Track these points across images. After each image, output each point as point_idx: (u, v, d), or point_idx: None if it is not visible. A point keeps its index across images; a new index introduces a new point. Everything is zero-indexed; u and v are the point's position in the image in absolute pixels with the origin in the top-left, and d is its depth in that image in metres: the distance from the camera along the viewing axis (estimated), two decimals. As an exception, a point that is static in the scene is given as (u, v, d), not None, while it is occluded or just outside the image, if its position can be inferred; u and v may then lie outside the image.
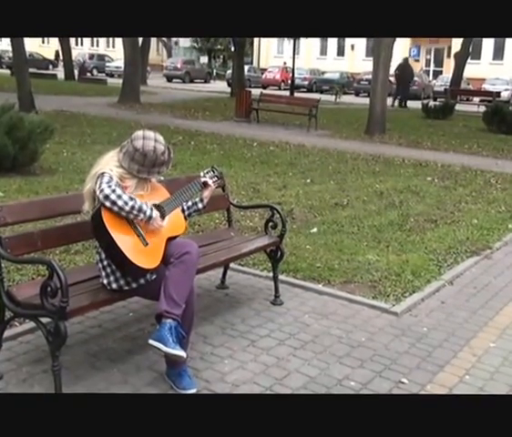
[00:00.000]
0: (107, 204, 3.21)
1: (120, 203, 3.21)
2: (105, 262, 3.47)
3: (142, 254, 3.35)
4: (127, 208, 3.23)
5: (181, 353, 3.25)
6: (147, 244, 3.37)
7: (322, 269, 5.44)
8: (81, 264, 5.06)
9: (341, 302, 4.84)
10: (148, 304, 4.15)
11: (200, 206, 3.96)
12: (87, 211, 3.50)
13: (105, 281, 3.49)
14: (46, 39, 57.57)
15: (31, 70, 19.80)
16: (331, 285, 5.16)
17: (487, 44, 42.71)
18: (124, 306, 4.36)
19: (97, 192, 3.24)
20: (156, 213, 3.41)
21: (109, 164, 3.42)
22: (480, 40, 39.99)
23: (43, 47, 53.40)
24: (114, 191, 3.21)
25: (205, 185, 3.90)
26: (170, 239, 3.54)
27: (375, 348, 4.09)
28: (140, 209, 3.29)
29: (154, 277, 3.46)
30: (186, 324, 3.43)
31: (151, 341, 3.28)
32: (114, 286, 3.47)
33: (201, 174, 3.94)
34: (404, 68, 26.97)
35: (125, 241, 3.29)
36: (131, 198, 3.28)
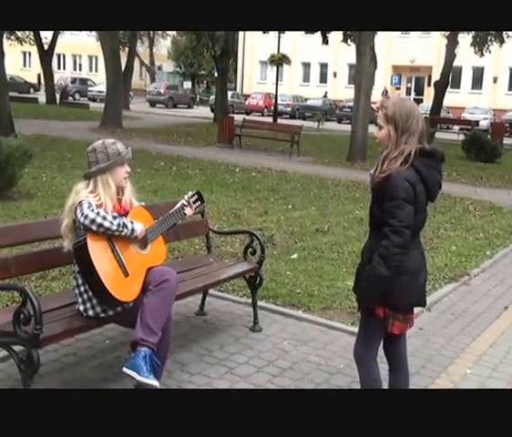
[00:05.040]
0: (94, 227, 3.24)
1: (107, 224, 3.27)
2: (81, 288, 3.44)
3: (122, 286, 3.34)
4: (114, 227, 3.29)
5: (154, 383, 3.23)
6: (127, 275, 3.36)
7: (302, 296, 5.44)
8: (57, 290, 4.99)
9: (320, 329, 4.83)
10: (125, 331, 4.10)
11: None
12: (68, 249, 3.46)
13: (81, 308, 3.45)
14: (27, 63, 57.35)
15: (11, 94, 19.68)
16: (310, 311, 5.15)
17: (467, 73, 43.59)
18: (100, 333, 4.31)
19: (81, 219, 3.25)
20: (138, 225, 3.44)
21: (82, 192, 3.42)
22: (460, 70, 40.80)
23: (24, 71, 53.17)
24: (98, 214, 3.26)
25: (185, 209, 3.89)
26: (150, 268, 3.54)
27: (354, 375, 4.04)
28: (125, 225, 3.36)
29: (131, 304, 3.44)
30: (161, 352, 3.40)
31: (125, 369, 3.26)
32: (90, 313, 3.44)
33: (185, 197, 3.92)
34: None
35: (106, 272, 3.29)
36: (114, 217, 3.33)
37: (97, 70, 55.27)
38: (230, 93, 36.19)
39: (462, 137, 23.24)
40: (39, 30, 31.01)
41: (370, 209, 3.11)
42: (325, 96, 44.06)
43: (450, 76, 29.37)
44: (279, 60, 34.22)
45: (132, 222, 3.43)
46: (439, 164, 3.01)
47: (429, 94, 39.22)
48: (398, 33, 42.82)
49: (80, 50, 56.19)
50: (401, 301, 3.04)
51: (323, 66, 49.14)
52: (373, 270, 2.91)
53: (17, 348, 3.23)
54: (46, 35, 33.83)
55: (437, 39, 36.74)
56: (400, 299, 3.01)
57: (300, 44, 46.03)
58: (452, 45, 27.31)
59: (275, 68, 34.36)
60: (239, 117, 22.88)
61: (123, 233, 3.35)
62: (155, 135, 20.45)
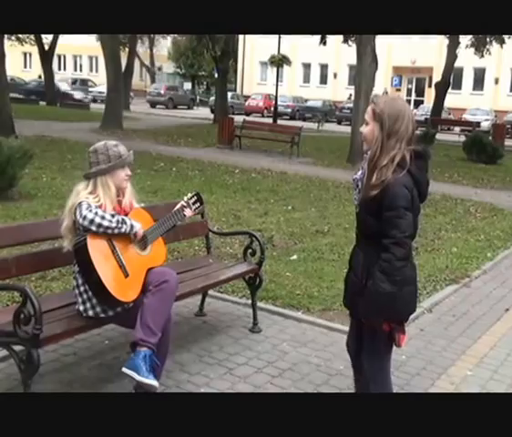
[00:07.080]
0: (93, 228, 3.25)
1: (106, 223, 3.28)
2: (81, 288, 3.44)
3: (122, 286, 3.34)
4: (113, 225, 3.30)
5: (154, 383, 3.23)
6: (127, 275, 3.36)
7: (302, 297, 5.43)
8: (57, 291, 4.98)
9: (320, 330, 4.82)
10: (125, 332, 4.09)
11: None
12: (67, 249, 3.46)
13: (81, 308, 3.45)
14: (28, 64, 57.36)
15: (12, 95, 19.66)
16: (310, 313, 5.14)
17: (468, 74, 43.56)
18: (99, 333, 4.30)
19: (80, 220, 3.26)
20: (137, 224, 3.44)
21: (81, 193, 3.41)
22: (461, 71, 40.77)
23: (25, 72, 53.15)
24: (97, 214, 3.26)
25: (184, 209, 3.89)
26: (150, 269, 3.54)
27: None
28: (124, 221, 3.37)
29: (131, 305, 3.43)
30: (161, 353, 3.40)
31: (124, 369, 3.26)
32: (90, 313, 3.43)
33: (185, 198, 3.92)
34: None
35: (106, 272, 3.30)
36: (113, 215, 3.34)
37: (97, 71, 55.21)
38: (230, 94, 36.17)
39: (463, 138, 23.22)
40: (39, 33, 31.11)
41: (361, 219, 2.94)
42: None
43: (451, 77, 29.38)
44: (279, 61, 34.24)
45: (131, 219, 3.44)
46: (427, 163, 2.90)
47: (430, 95, 39.18)
48: (399, 34, 42.80)
49: (81, 50, 56.14)
50: (404, 313, 2.91)
51: (324, 67, 49.10)
52: (376, 288, 2.71)
53: (17, 348, 3.23)
54: (47, 36, 33.86)
55: (438, 40, 36.71)
56: (403, 310, 2.88)
57: (300, 45, 46.01)
58: (453, 47, 27.32)
59: (275, 69, 34.38)
60: (239, 118, 22.89)
61: (122, 229, 3.35)
62: (155, 136, 20.46)
